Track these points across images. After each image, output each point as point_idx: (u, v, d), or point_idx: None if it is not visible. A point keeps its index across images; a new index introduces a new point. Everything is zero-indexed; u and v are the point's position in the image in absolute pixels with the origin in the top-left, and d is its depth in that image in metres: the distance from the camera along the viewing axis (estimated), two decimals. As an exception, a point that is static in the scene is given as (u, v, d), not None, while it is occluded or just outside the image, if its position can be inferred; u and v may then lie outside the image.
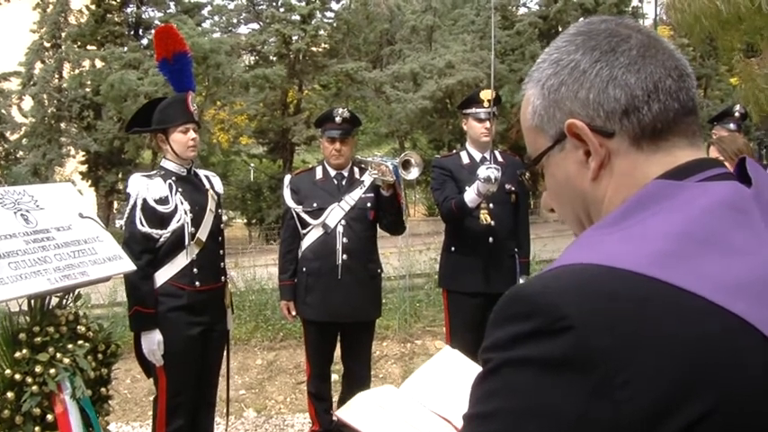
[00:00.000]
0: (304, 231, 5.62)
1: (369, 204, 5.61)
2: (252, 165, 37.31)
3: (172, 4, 34.79)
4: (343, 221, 5.54)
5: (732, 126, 7.23)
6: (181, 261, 4.93)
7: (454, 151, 6.06)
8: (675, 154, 1.19)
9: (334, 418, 5.72)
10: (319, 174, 5.76)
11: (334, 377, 6.28)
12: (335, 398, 5.94)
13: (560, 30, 31.55)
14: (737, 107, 7.66)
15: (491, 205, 5.50)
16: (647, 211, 1.10)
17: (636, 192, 1.15)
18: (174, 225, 4.87)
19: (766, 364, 0.97)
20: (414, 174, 5.39)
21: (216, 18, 36.06)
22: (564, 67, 1.23)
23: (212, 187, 5.23)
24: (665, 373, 0.93)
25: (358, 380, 5.62)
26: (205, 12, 35.81)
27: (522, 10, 35.58)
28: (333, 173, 5.72)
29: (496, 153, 5.71)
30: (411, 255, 12.65)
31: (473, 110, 5.67)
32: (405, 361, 8.77)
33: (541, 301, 0.99)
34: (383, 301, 8.99)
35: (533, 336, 0.98)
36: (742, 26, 9.63)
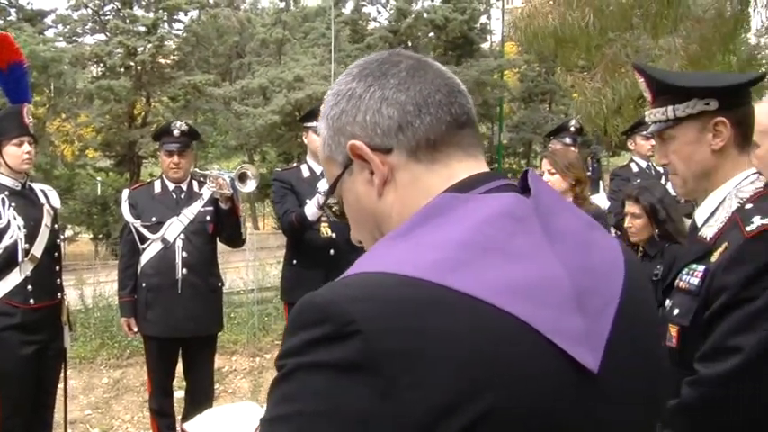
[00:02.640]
0: (143, 246, 5.57)
1: (208, 218, 5.61)
2: (98, 178, 36.37)
3: (13, 11, 33.55)
4: (182, 235, 5.52)
5: (568, 140, 7.48)
6: (14, 278, 4.82)
7: (295, 164, 6.11)
8: (453, 165, 1.27)
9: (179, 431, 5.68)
10: (158, 188, 5.72)
11: (181, 393, 6.22)
12: (180, 415, 5.89)
13: (410, 44, 32.08)
14: (573, 122, 7.96)
15: (332, 218, 5.55)
16: (433, 223, 1.16)
17: (422, 203, 1.21)
18: (6, 241, 4.76)
19: (544, 362, 1.06)
20: (250, 186, 5.43)
21: (60, 27, 34.99)
22: (343, 96, 1.31)
23: (48, 202, 5.13)
24: (448, 374, 1.00)
25: (201, 395, 5.60)
26: (48, 20, 34.70)
27: (373, 24, 35.95)
28: (171, 186, 5.69)
29: (338, 166, 5.76)
30: (260, 268, 12.63)
31: (313, 123, 5.69)
32: (254, 375, 8.76)
33: (331, 308, 1.04)
34: (231, 315, 8.95)
35: (324, 341, 1.02)
36: (577, 44, 10.08)
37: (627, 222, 4.83)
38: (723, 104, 2.44)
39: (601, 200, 6.80)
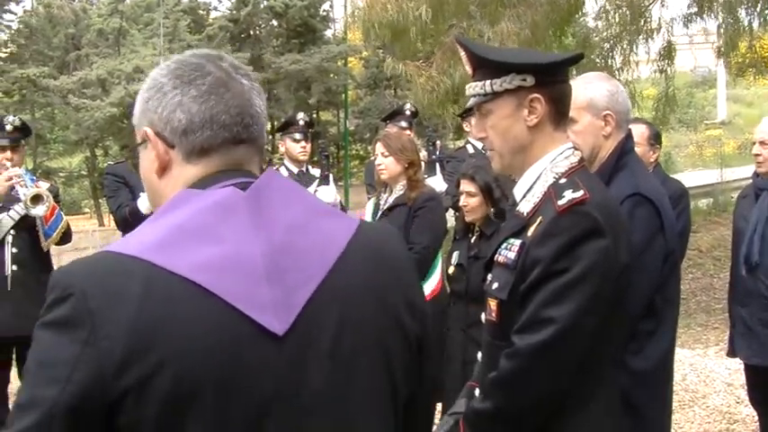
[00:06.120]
0: (-31, 244, 5.34)
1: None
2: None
3: None
4: (12, 231, 5.34)
5: (403, 124, 7.56)
6: None
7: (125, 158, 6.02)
8: (214, 169, 1.52)
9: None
10: (-12, 183, 5.48)
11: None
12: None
13: (251, 33, 31.78)
14: (408, 106, 8.09)
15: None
16: (168, 213, 1.44)
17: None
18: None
19: (224, 326, 1.33)
20: (40, 210, 5.23)
21: None
22: (154, 85, 1.55)
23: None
24: (131, 330, 1.28)
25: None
26: None
27: (215, 14, 35.30)
28: (4, 182, 5.46)
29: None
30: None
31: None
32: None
33: (60, 278, 1.35)
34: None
35: (53, 304, 1.32)
36: (412, 34, 10.38)
37: (462, 201, 4.79)
38: (539, 81, 2.49)
39: (437, 182, 6.94)
